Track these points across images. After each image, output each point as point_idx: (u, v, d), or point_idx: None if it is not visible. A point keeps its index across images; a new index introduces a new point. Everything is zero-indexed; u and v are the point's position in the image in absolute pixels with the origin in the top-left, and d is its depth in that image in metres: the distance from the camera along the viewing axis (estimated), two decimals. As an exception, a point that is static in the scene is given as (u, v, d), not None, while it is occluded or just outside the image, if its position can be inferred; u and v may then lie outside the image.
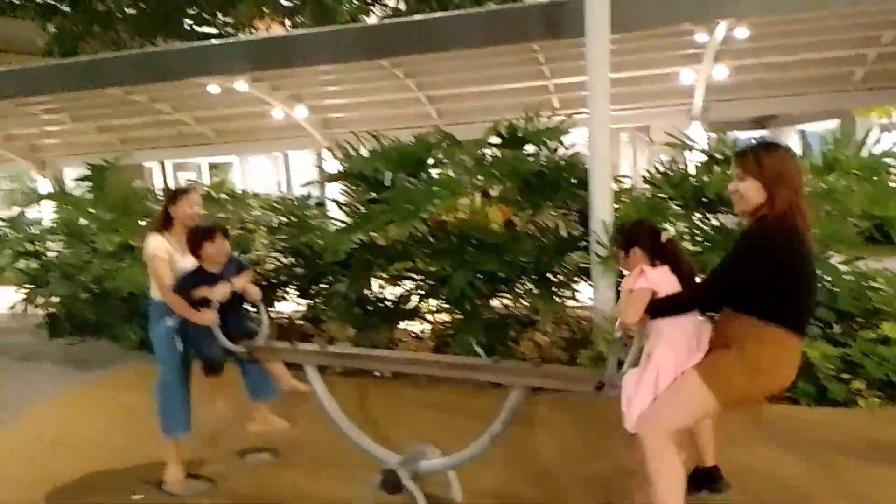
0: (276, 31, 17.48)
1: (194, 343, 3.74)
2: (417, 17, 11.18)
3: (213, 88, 9.65)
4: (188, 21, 14.41)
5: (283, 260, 6.65)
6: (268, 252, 6.89)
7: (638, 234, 2.92)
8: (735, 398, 2.58)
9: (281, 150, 18.31)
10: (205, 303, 3.57)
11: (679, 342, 2.66)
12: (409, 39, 7.67)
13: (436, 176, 5.61)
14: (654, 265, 2.83)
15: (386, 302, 6.02)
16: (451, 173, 5.60)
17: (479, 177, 5.36)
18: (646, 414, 2.62)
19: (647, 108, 10.25)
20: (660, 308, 2.70)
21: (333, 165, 11.80)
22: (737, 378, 2.52)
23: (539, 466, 3.83)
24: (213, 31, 14.89)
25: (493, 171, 5.32)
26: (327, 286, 6.25)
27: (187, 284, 3.63)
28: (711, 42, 7.99)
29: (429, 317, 5.98)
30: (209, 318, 3.55)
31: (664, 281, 2.75)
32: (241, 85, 9.52)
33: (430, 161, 5.69)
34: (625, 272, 2.94)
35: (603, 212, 5.15)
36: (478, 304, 5.36)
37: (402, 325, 5.99)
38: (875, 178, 5.13)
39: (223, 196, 7.81)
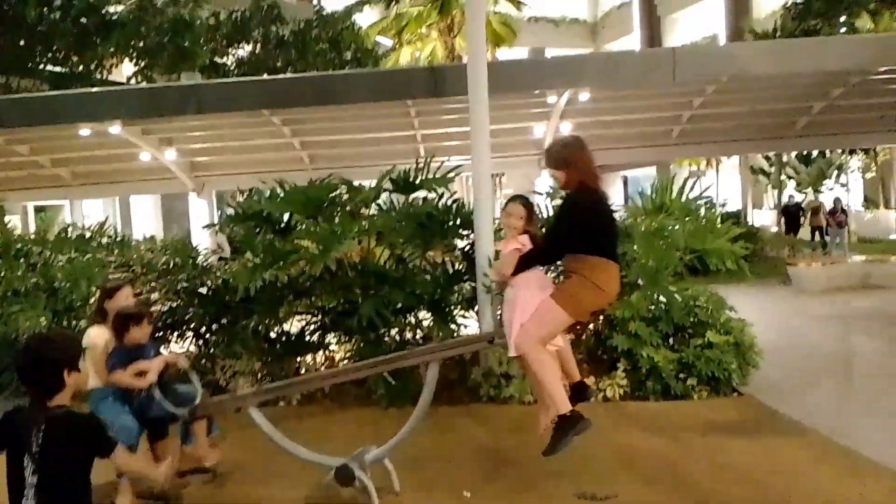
0: (125, 71, 17.12)
1: (139, 414, 4.09)
2: (312, 74, 11.72)
3: (84, 131, 9.54)
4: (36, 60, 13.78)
5: (173, 302, 6.77)
6: (156, 293, 7.00)
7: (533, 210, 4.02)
8: (580, 310, 3.60)
9: (145, 192, 17.84)
10: (139, 376, 4.02)
11: (531, 283, 3.65)
12: (303, 95, 8.27)
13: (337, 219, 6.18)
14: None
15: (290, 336, 6.44)
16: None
17: (380, 220, 6.02)
18: (519, 335, 3.56)
19: (505, 157, 11.51)
20: (520, 264, 3.66)
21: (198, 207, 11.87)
22: (580, 295, 3.54)
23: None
24: (62, 70, 14.34)
25: (393, 214, 6.02)
26: (229, 324, 6.51)
27: (121, 362, 4.05)
28: (559, 103, 9.36)
29: (332, 348, 6.46)
30: (150, 378, 3.99)
31: (527, 244, 3.78)
32: (114, 129, 9.51)
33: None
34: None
35: (487, 248, 6.01)
36: (381, 332, 5.98)
37: (307, 357, 6.44)
38: (693, 218, 6.42)
39: (105, 240, 7.83)
